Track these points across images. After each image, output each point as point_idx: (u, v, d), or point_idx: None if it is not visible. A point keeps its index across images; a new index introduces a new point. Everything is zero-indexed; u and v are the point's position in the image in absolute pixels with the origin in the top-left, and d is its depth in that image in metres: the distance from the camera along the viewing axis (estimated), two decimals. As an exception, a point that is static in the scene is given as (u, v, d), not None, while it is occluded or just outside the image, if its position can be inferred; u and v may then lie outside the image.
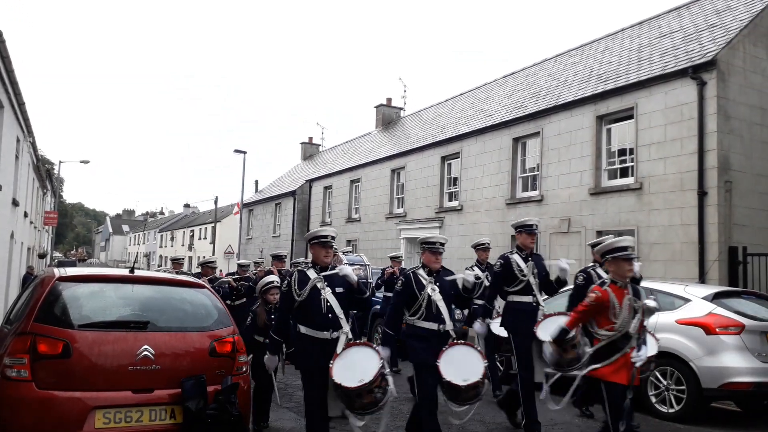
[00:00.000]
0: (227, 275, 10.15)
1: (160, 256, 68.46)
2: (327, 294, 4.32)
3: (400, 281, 4.89)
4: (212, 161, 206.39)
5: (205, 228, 53.03)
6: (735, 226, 10.45)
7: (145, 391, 3.81)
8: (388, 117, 27.95)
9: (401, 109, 28.33)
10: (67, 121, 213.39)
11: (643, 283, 7.95)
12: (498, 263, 5.97)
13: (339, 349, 4.17)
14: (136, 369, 3.81)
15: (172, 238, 64.99)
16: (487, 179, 15.63)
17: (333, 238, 4.55)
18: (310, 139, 35.12)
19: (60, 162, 37.62)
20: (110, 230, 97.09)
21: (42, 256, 30.62)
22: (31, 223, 21.45)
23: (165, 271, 9.19)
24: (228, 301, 8.03)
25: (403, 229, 19.09)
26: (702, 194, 10.38)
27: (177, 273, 8.58)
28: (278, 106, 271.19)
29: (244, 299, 8.67)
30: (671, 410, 6.51)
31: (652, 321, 5.93)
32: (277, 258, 10.03)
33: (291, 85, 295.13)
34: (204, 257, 11.23)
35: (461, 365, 4.41)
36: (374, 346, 4.29)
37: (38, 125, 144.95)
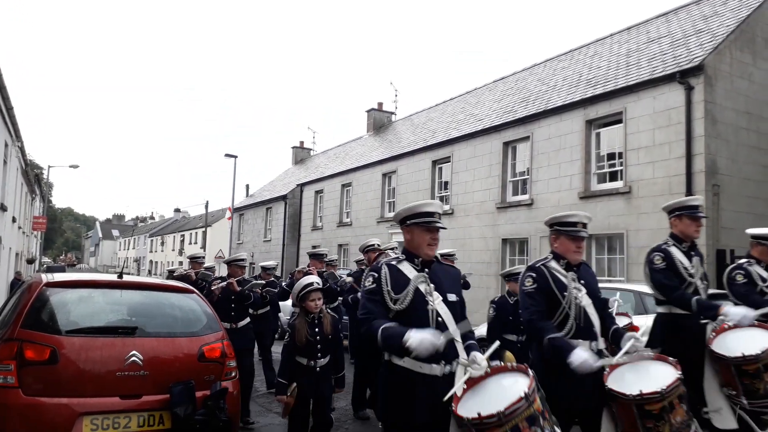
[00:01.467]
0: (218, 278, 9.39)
1: (150, 261, 68.10)
2: (437, 303, 2.85)
3: (529, 278, 3.38)
4: (202, 166, 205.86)
5: (196, 233, 52.82)
6: (722, 229, 10.54)
7: (133, 397, 3.78)
8: (379, 121, 27.99)
9: (392, 113, 28.39)
10: (56, 125, 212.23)
11: (633, 286, 8.03)
12: (657, 256, 4.32)
13: (458, 389, 2.62)
14: (124, 375, 3.79)
15: (163, 243, 64.66)
16: (477, 183, 15.69)
17: (440, 216, 3.03)
18: (302, 143, 35.10)
19: (49, 167, 37.28)
20: (100, 235, 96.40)
21: (30, 261, 30.37)
22: (20, 228, 21.27)
23: (185, 271, 9.04)
24: (252, 310, 7.16)
25: (395, 233, 19.09)
26: (690, 198, 10.46)
27: (196, 273, 8.47)
28: (269, 110, 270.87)
29: (268, 308, 8.18)
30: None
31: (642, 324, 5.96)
32: (316, 257, 8.26)
33: (282, 89, 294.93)
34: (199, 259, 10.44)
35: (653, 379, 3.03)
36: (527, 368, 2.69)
37: (27, 130, 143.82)
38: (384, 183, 20.48)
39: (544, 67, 18.24)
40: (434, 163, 17.75)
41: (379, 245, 6.74)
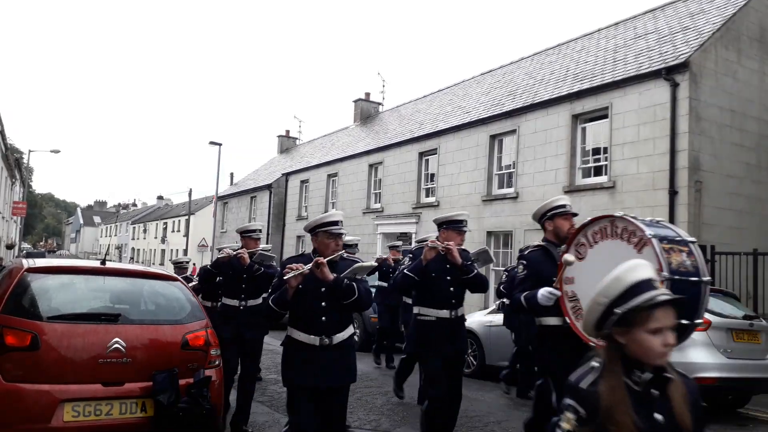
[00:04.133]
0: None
1: (133, 249, 67.46)
2: None
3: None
4: (186, 153, 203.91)
5: (179, 220, 52.35)
6: (704, 225, 10.68)
7: (115, 384, 3.76)
8: (366, 111, 27.89)
9: (380, 104, 28.29)
10: (38, 110, 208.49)
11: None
12: None
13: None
14: (106, 362, 3.76)
15: (145, 231, 64.06)
16: (464, 176, 15.72)
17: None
18: (287, 132, 34.87)
19: (30, 151, 36.63)
20: (81, 221, 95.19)
21: (10, 246, 29.94)
22: (-1, 213, 20.93)
23: (233, 252, 5.60)
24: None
25: (381, 224, 19.11)
26: (673, 193, 10.60)
27: (251, 254, 5.69)
28: (255, 98, 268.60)
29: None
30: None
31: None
32: (392, 247, 8.87)
33: (269, 78, 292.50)
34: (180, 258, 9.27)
35: None
36: None
37: (7, 113, 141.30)
38: (370, 174, 20.44)
39: (531, 60, 18.28)
40: (421, 154, 17.74)
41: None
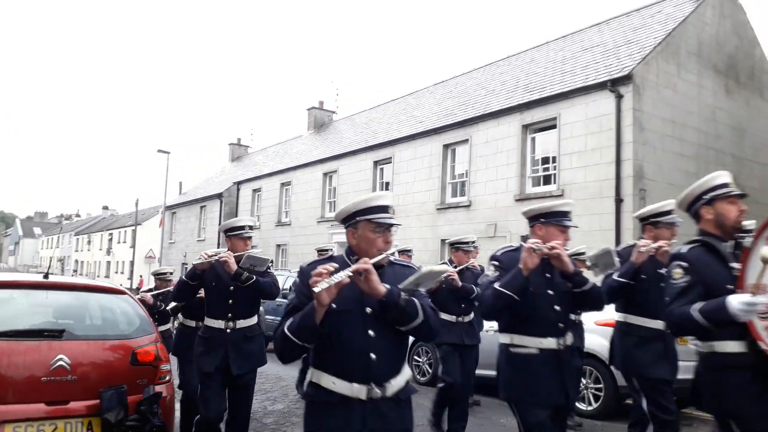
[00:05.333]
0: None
1: (76, 261, 64.97)
2: None
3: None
4: (134, 162, 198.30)
5: (125, 231, 50.78)
6: (648, 231, 11.07)
7: (59, 403, 3.58)
8: (320, 120, 27.80)
9: (333, 112, 28.26)
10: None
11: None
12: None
13: None
14: (50, 380, 3.57)
15: (89, 242, 61.81)
16: (418, 184, 15.84)
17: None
18: (239, 140, 34.37)
19: (-36, 159, 34.85)
20: (20, 233, 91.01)
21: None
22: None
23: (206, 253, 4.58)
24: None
25: (336, 233, 19.02)
26: (618, 201, 10.97)
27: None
28: (206, 105, 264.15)
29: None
30: (590, 408, 6.81)
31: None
32: (404, 252, 7.69)
33: (220, 84, 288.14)
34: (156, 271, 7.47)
35: None
36: None
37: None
38: (325, 182, 20.35)
39: (483, 71, 18.65)
40: (376, 163, 17.79)
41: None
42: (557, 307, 3.17)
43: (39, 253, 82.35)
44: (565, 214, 3.25)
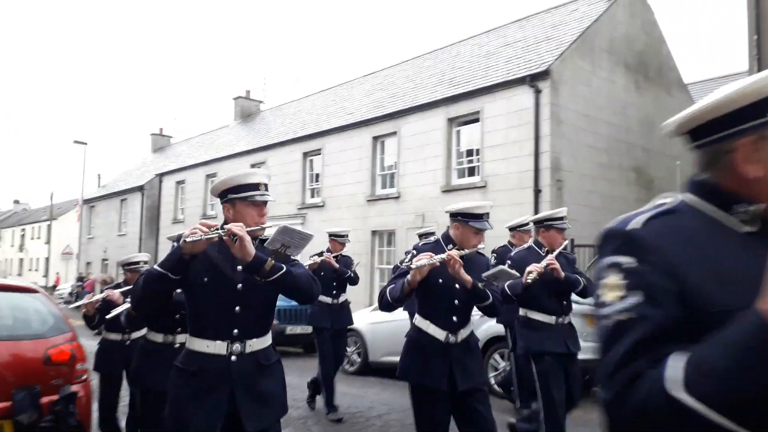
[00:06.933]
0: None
1: (-15, 258, 60.83)
2: None
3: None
4: (48, 153, 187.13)
5: (39, 226, 48.02)
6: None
7: (-34, 408, 3.43)
8: (247, 110, 27.26)
9: (261, 102, 27.78)
10: None
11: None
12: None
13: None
14: (-46, 384, 3.42)
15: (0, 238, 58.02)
16: (348, 176, 15.90)
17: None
18: (161, 130, 33.15)
19: None
20: None
21: None
22: None
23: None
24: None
25: (265, 225, 18.77)
26: (537, 192, 11.47)
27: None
28: (125, 93, 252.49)
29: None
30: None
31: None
32: (427, 235, 7.42)
33: (141, 72, 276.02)
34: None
35: None
36: None
37: None
38: (252, 174, 20.01)
39: (411, 64, 18.88)
40: (305, 155, 17.69)
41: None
42: (456, 302, 3.31)
43: (-59, 251, 76.45)
44: (479, 216, 3.37)
